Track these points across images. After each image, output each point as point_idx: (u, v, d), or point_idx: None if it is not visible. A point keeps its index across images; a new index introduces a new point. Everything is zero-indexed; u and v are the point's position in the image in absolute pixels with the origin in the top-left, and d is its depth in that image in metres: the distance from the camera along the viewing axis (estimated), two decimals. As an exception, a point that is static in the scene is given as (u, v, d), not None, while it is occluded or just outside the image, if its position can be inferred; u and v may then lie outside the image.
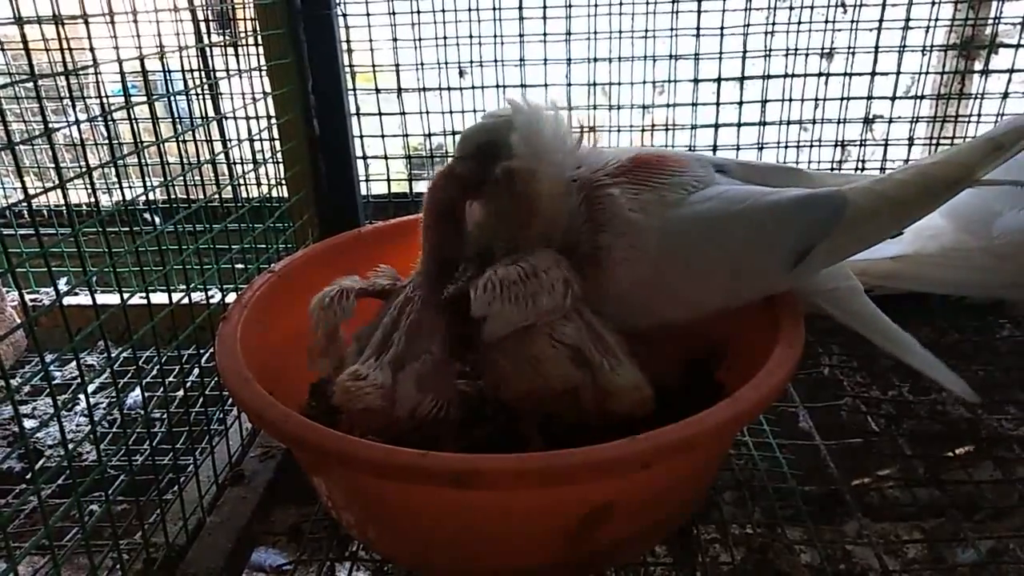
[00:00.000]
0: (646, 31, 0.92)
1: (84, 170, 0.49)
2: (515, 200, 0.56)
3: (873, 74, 0.92)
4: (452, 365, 0.57)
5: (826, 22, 0.91)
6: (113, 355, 0.61)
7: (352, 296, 0.59)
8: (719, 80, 0.93)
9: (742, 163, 0.64)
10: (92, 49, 0.51)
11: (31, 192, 0.45)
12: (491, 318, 0.52)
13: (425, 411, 0.53)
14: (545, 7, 0.91)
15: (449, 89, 0.95)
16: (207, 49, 0.74)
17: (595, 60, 0.93)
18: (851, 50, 0.91)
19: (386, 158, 0.99)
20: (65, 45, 0.50)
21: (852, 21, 0.90)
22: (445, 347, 0.56)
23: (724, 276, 0.57)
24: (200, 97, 0.70)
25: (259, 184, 0.78)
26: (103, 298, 0.52)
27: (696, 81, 0.93)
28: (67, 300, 0.47)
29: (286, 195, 0.88)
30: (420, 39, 0.93)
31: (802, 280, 0.59)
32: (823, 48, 0.92)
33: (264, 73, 0.83)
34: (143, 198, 0.61)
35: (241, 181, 0.75)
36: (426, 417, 0.53)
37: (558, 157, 0.57)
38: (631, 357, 0.54)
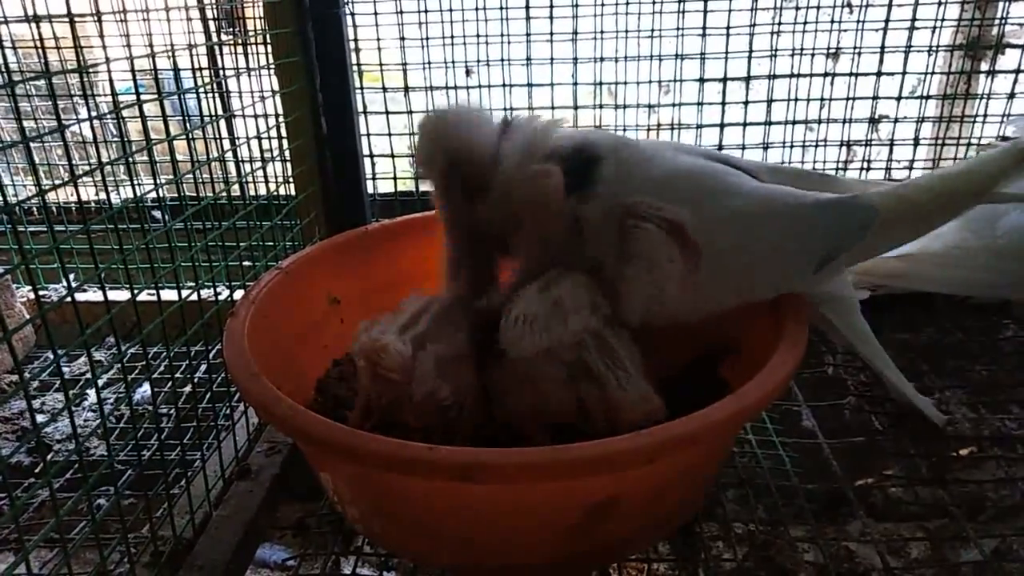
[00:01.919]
0: (652, 31, 0.92)
1: (96, 165, 0.50)
2: (519, 206, 0.56)
3: (879, 74, 0.92)
4: (472, 361, 0.56)
5: (832, 22, 0.91)
6: (122, 350, 0.61)
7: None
8: (725, 80, 0.93)
9: (772, 168, 0.64)
10: (105, 47, 0.51)
11: (43, 188, 0.45)
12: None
13: (443, 397, 0.53)
14: (552, 7, 0.91)
15: (456, 88, 0.96)
16: (216, 47, 0.75)
17: (601, 59, 0.94)
18: (857, 50, 0.92)
19: (393, 156, 0.99)
20: (75, 44, 0.50)
21: (858, 21, 0.90)
22: (469, 343, 0.56)
23: (748, 278, 0.57)
24: (208, 95, 0.70)
25: (267, 182, 0.79)
26: (111, 295, 0.52)
27: (702, 81, 0.94)
28: (77, 296, 0.48)
29: (293, 193, 0.89)
30: (427, 38, 0.93)
31: (822, 283, 0.59)
32: (829, 48, 0.92)
33: (272, 71, 0.84)
34: (152, 195, 0.61)
35: (249, 179, 0.76)
36: (443, 404, 0.52)
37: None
38: (641, 369, 0.54)
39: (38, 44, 0.50)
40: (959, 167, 0.58)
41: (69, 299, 0.47)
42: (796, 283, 0.59)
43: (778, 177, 0.62)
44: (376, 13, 0.93)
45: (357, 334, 0.55)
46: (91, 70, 0.55)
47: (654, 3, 0.91)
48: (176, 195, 0.69)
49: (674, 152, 0.61)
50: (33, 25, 0.49)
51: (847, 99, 0.94)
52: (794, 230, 0.56)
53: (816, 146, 0.97)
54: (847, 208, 0.56)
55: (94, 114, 0.52)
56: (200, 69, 0.69)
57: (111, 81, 0.53)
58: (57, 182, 0.58)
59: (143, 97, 0.56)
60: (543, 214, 0.55)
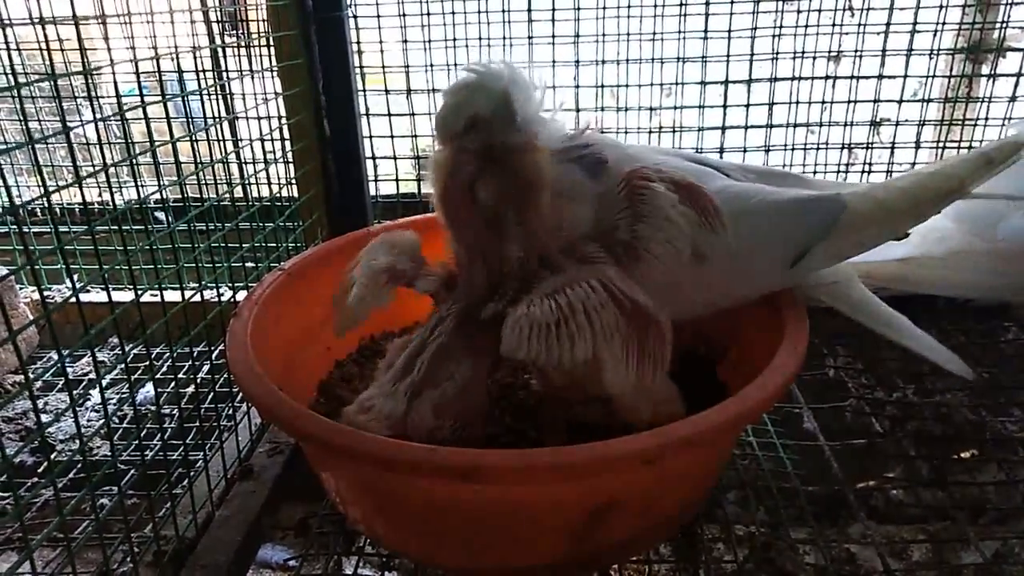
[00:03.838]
0: (654, 34, 0.92)
1: (100, 167, 0.50)
2: (517, 179, 0.53)
3: (880, 77, 0.93)
4: (482, 383, 0.55)
5: (833, 25, 0.91)
6: (125, 351, 0.62)
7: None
8: (726, 83, 0.94)
9: (744, 167, 0.65)
10: (109, 49, 0.52)
11: (48, 189, 0.45)
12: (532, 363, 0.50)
13: (443, 435, 0.52)
14: (554, 9, 0.91)
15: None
16: (219, 50, 0.75)
17: (603, 62, 0.94)
18: (858, 53, 0.92)
19: (395, 159, 1.00)
20: (81, 46, 0.51)
21: (859, 24, 0.91)
22: (478, 367, 0.54)
23: (725, 275, 0.58)
24: (212, 97, 0.71)
25: (269, 183, 0.79)
26: (115, 295, 0.53)
27: (703, 83, 0.94)
28: (81, 297, 0.48)
29: (296, 195, 0.89)
30: (430, 40, 0.94)
31: (799, 279, 0.60)
32: (830, 51, 0.92)
33: (275, 74, 0.84)
34: (155, 197, 0.61)
35: (252, 180, 0.76)
36: (444, 438, 0.52)
37: (546, 128, 0.55)
38: (667, 368, 0.53)
39: (43, 46, 0.50)
40: (929, 169, 0.60)
41: (73, 300, 0.47)
42: (773, 280, 0.59)
43: (749, 176, 0.63)
44: (379, 16, 0.93)
45: (346, 408, 0.53)
46: (95, 72, 0.55)
47: (656, 6, 0.91)
48: (180, 197, 0.69)
49: (651, 153, 0.62)
50: (38, 27, 0.49)
51: (848, 102, 0.94)
52: (766, 227, 0.57)
53: (817, 149, 0.97)
54: (816, 204, 0.58)
55: (98, 116, 0.52)
56: (204, 71, 0.69)
57: (115, 83, 0.53)
58: (61, 183, 0.59)
59: (147, 99, 0.56)
60: (534, 190, 0.53)
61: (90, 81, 0.52)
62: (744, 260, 0.57)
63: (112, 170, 0.52)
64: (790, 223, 0.57)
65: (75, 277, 0.48)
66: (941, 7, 0.89)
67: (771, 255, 0.58)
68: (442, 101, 0.53)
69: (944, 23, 0.90)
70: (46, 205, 0.45)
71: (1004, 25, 0.91)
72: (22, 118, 0.45)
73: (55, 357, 0.45)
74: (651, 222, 0.55)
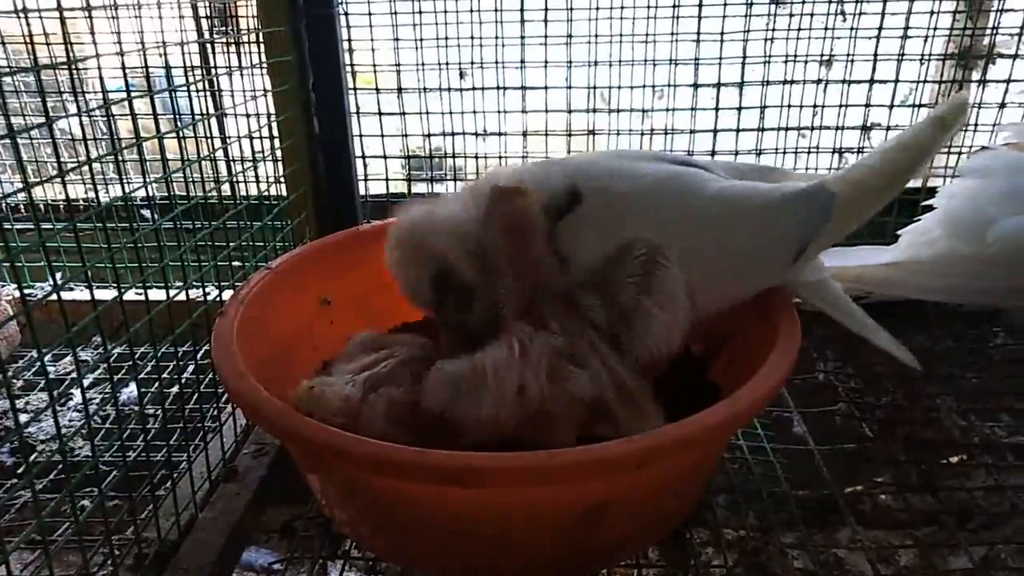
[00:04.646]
0: (646, 35, 0.92)
1: (84, 161, 0.49)
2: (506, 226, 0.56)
3: (871, 82, 0.93)
4: None
5: (825, 29, 0.91)
6: (108, 350, 0.60)
7: None
8: (718, 85, 0.94)
9: (726, 164, 0.66)
10: (95, 43, 0.51)
11: (30, 184, 0.44)
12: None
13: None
14: (546, 10, 0.91)
15: (449, 90, 0.95)
16: (208, 45, 0.74)
17: (595, 63, 0.94)
18: (850, 57, 0.92)
19: (385, 158, 0.99)
20: (66, 39, 0.50)
21: (851, 29, 0.91)
22: None
23: (731, 278, 0.58)
24: (200, 93, 0.70)
25: (257, 181, 0.78)
26: (98, 293, 0.52)
27: (695, 86, 0.94)
28: (63, 294, 0.47)
29: (284, 193, 0.88)
30: (421, 39, 0.93)
31: (798, 274, 0.61)
32: (822, 55, 0.93)
33: (264, 70, 0.83)
34: (141, 193, 0.60)
35: (239, 178, 0.75)
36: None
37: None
38: (655, 403, 0.54)
39: (27, 39, 0.49)
40: (892, 144, 0.61)
41: (55, 297, 0.46)
42: (776, 277, 0.60)
43: (733, 173, 0.64)
44: (370, 13, 0.93)
45: (302, 384, 0.52)
46: (80, 64, 0.54)
47: (648, 8, 0.91)
48: (166, 194, 0.68)
49: (638, 162, 0.61)
50: (22, 19, 0.48)
51: (840, 106, 0.95)
52: (769, 226, 0.58)
53: (808, 153, 0.97)
54: (811, 197, 0.59)
55: (83, 110, 0.51)
56: (192, 67, 0.68)
57: (100, 77, 0.52)
58: (45, 178, 0.58)
59: (133, 94, 0.55)
60: (524, 239, 0.55)
61: (75, 75, 0.51)
62: (751, 259, 0.58)
63: (97, 166, 0.51)
64: (793, 219, 0.58)
65: (57, 274, 0.47)
66: (932, 13, 0.90)
67: (777, 252, 0.59)
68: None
69: (935, 29, 0.90)
70: (28, 200, 0.44)
71: (994, 31, 0.91)
72: (4, 113, 0.44)
73: (36, 355, 0.44)
74: (658, 299, 0.55)
